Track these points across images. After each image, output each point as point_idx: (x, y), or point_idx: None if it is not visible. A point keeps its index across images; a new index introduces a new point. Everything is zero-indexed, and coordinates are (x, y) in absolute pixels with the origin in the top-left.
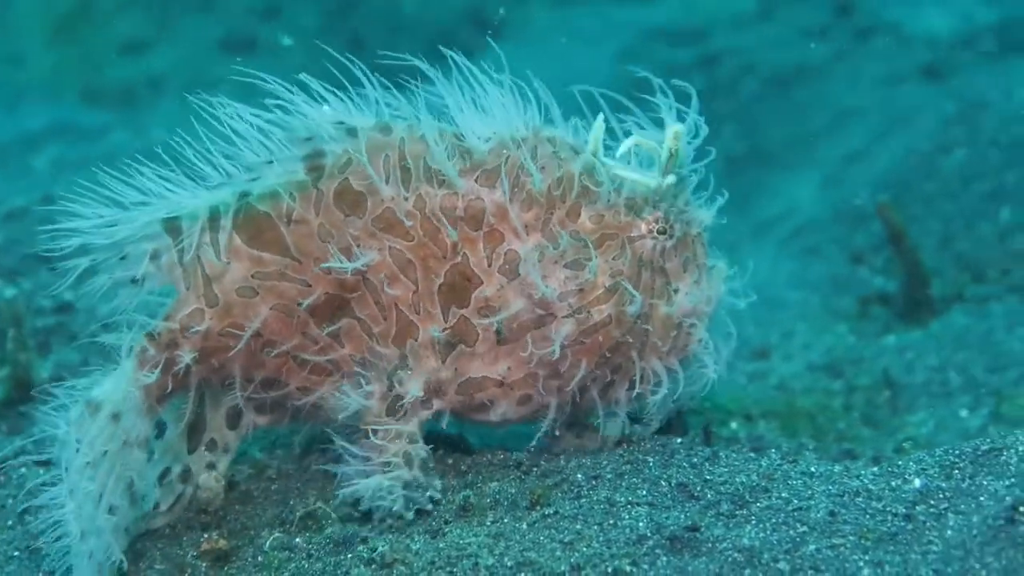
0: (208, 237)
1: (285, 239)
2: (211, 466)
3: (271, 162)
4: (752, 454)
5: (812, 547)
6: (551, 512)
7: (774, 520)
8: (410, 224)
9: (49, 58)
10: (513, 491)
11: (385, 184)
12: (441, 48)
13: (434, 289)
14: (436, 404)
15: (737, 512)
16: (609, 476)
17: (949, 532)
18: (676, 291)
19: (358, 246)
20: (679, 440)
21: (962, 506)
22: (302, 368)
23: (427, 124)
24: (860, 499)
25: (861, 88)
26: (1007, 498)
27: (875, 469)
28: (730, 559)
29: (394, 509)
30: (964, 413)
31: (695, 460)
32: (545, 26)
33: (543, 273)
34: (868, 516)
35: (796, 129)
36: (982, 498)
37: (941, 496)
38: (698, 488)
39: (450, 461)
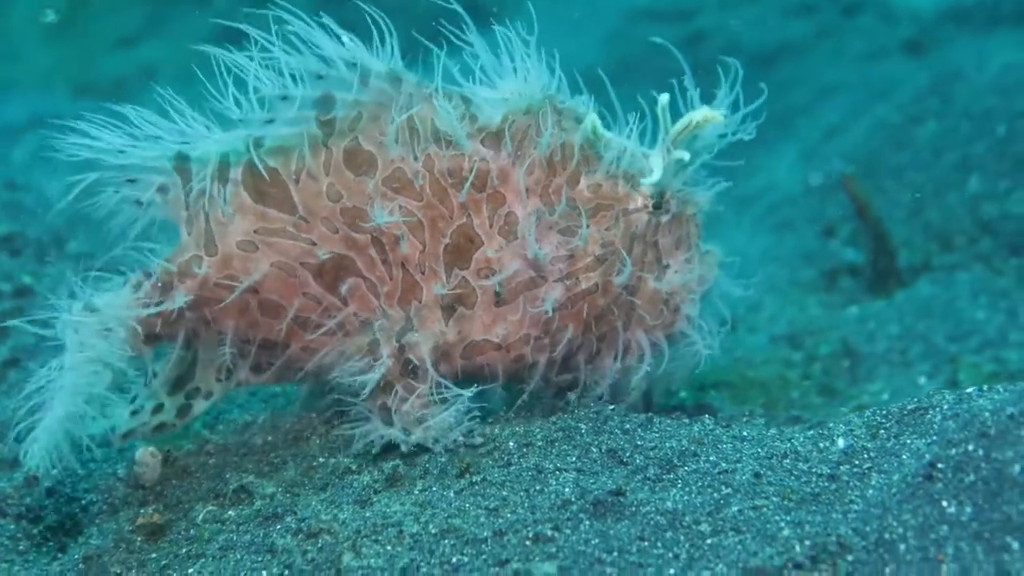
0: (216, 187)
1: (292, 197)
2: (185, 408)
3: (284, 98)
4: (687, 420)
5: (735, 508)
6: (479, 480)
7: (700, 483)
8: (420, 184)
9: (44, 53)
10: (443, 459)
11: (395, 144)
12: (452, 20)
13: (439, 249)
14: (443, 368)
15: (664, 476)
16: (540, 443)
17: (871, 491)
18: (667, 267)
19: (368, 207)
20: (612, 407)
21: (885, 465)
22: (304, 329)
23: (436, 84)
24: (787, 461)
25: (843, 64)
26: (926, 455)
27: (809, 432)
28: (652, 522)
29: (458, 440)
30: (922, 380)
31: (628, 426)
32: (537, 11)
33: (538, 237)
34: (793, 477)
35: (778, 106)
36: (904, 456)
37: (866, 456)
38: (627, 453)
39: None
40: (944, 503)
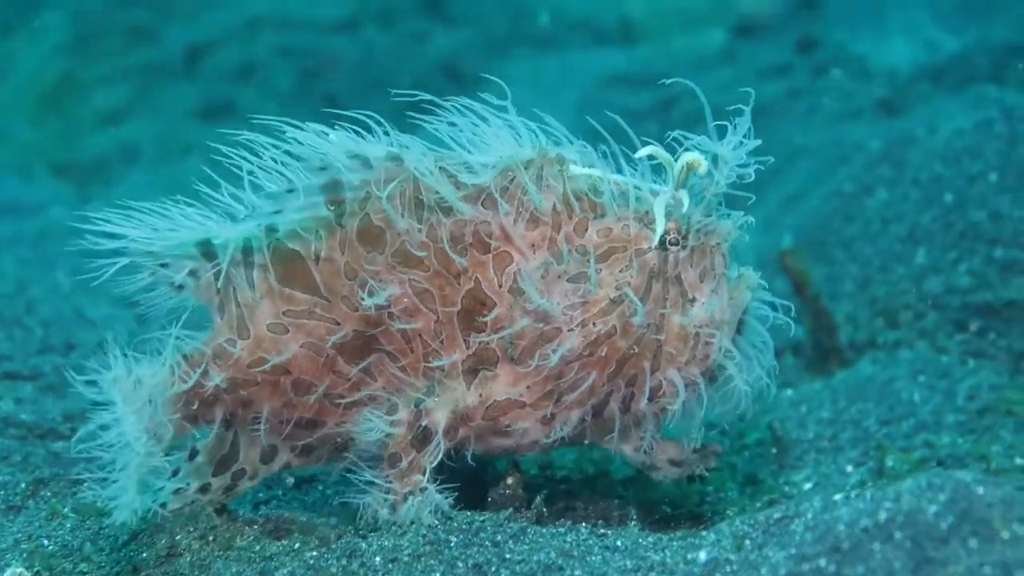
0: (242, 271)
1: (315, 278)
2: (230, 488)
3: (291, 191)
4: (562, 529)
5: None
6: None
7: None
8: (423, 255)
9: (29, 133)
10: None
11: (401, 217)
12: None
13: (453, 316)
14: (461, 432)
15: None
16: (406, 559)
17: None
18: (693, 301)
19: (379, 281)
20: (486, 516)
21: None
22: (337, 406)
23: (428, 155)
24: (653, 574)
25: (814, 126)
26: (781, 570)
27: (682, 541)
28: None
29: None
30: (849, 468)
31: (499, 537)
32: (514, 78)
33: (547, 288)
34: None
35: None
36: (763, 570)
37: (728, 569)
38: (494, 568)
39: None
40: None
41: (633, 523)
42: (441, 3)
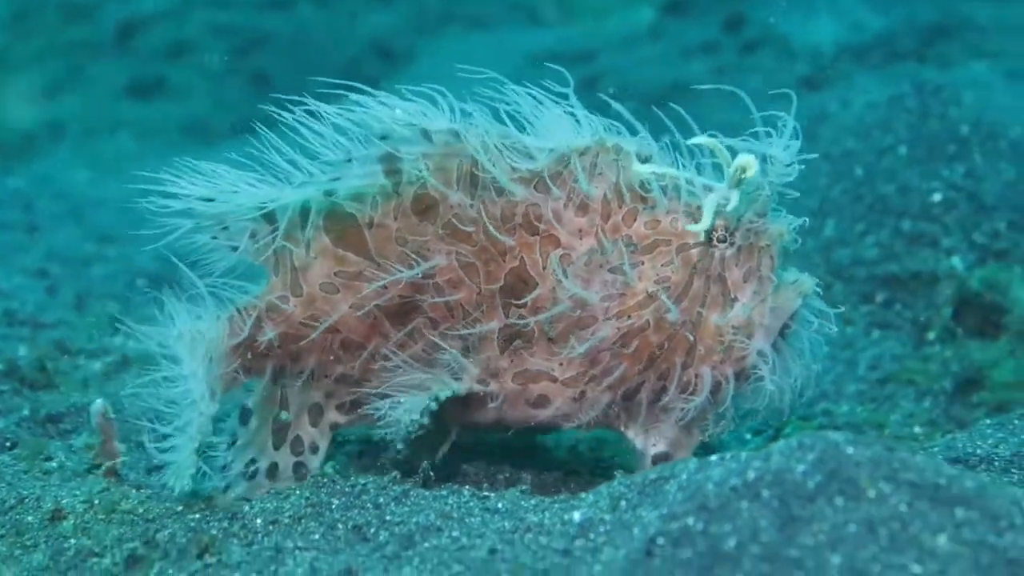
0: (299, 232)
1: (368, 242)
2: (298, 466)
3: (350, 160)
4: (444, 492)
5: None
6: (214, 561)
7: (435, 560)
8: (472, 230)
9: None
10: (184, 539)
11: (455, 191)
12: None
13: (495, 292)
14: (492, 385)
15: (402, 553)
16: (287, 521)
17: (598, 567)
18: (734, 301)
19: (427, 251)
20: (370, 480)
21: (618, 539)
22: (380, 366)
23: (488, 132)
24: (530, 535)
25: (739, 104)
26: (651, 529)
27: (560, 503)
28: None
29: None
30: (748, 436)
31: (382, 500)
32: (443, 55)
33: (588, 276)
34: (530, 553)
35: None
36: (635, 530)
37: (602, 529)
38: (373, 529)
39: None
40: None
41: (523, 487)
42: None
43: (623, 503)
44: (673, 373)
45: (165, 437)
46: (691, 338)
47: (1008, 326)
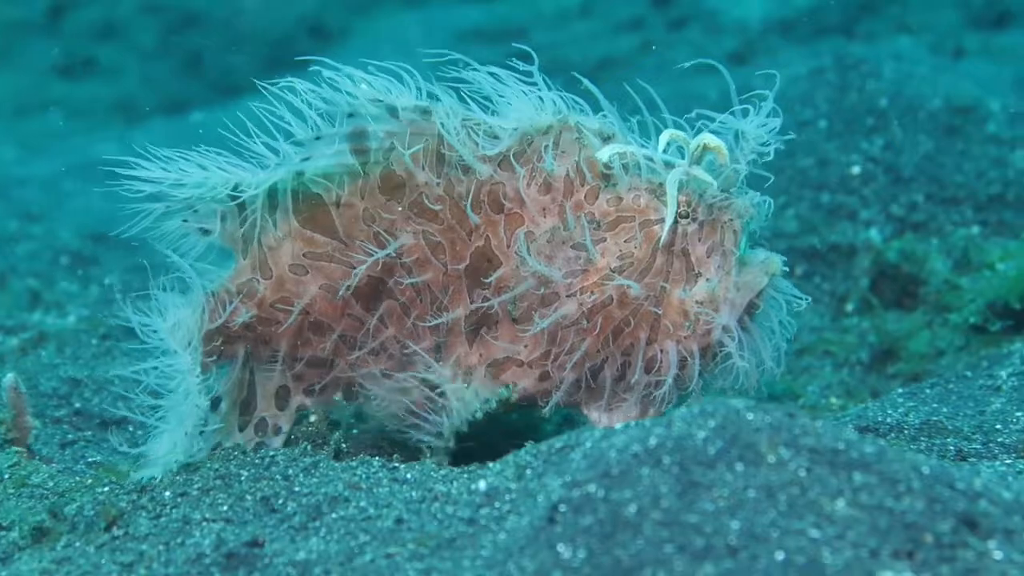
0: (267, 213)
1: (335, 222)
2: (260, 446)
3: (318, 138)
4: (354, 463)
5: (368, 557)
6: (122, 534)
7: (342, 531)
8: (439, 208)
9: None
10: (92, 512)
11: (421, 170)
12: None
13: (461, 272)
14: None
15: (309, 524)
16: (195, 493)
17: (503, 535)
18: (698, 276)
19: (395, 230)
20: (281, 452)
21: (522, 507)
22: (349, 348)
23: (455, 111)
24: (437, 504)
25: (667, 79)
26: (554, 496)
27: (468, 473)
28: (283, 573)
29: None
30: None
31: (291, 471)
32: (374, 33)
33: (550, 253)
34: (436, 522)
35: None
36: (539, 498)
37: (507, 498)
38: (281, 500)
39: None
40: (560, 547)
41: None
42: None
43: (529, 472)
44: (637, 348)
45: (151, 427)
46: (656, 312)
47: (925, 297)
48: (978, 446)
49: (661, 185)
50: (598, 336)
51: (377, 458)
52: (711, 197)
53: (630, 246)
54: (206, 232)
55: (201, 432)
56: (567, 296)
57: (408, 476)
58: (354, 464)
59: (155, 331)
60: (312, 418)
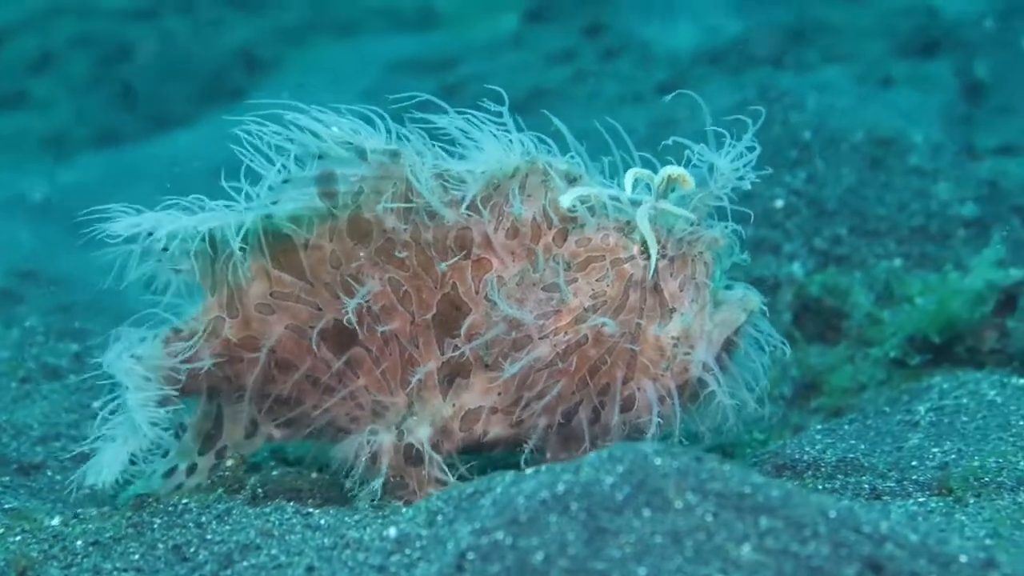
0: (237, 253)
1: (302, 263)
2: (216, 467)
3: (286, 181)
4: (267, 509)
5: None
6: None
7: None
8: (404, 255)
9: None
10: (2, 562)
11: (389, 215)
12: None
13: (428, 321)
14: (446, 447)
15: (220, 573)
16: (107, 541)
17: None
18: (673, 312)
19: (361, 276)
20: (194, 498)
21: (432, 554)
22: (316, 388)
23: (423, 155)
24: (348, 551)
25: (596, 110)
26: (462, 543)
27: (382, 519)
28: None
29: None
30: None
31: (204, 519)
32: (305, 65)
33: (521, 296)
34: (347, 569)
35: None
36: (449, 545)
37: (418, 544)
38: (193, 549)
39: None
40: None
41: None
42: None
43: (440, 518)
44: (614, 388)
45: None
46: (633, 349)
47: (847, 331)
48: (892, 484)
49: (629, 223)
50: (573, 376)
51: (291, 503)
52: (680, 231)
53: (602, 285)
54: (178, 272)
55: (165, 456)
56: (540, 338)
57: (322, 522)
58: (268, 510)
59: (101, 364)
60: (229, 463)
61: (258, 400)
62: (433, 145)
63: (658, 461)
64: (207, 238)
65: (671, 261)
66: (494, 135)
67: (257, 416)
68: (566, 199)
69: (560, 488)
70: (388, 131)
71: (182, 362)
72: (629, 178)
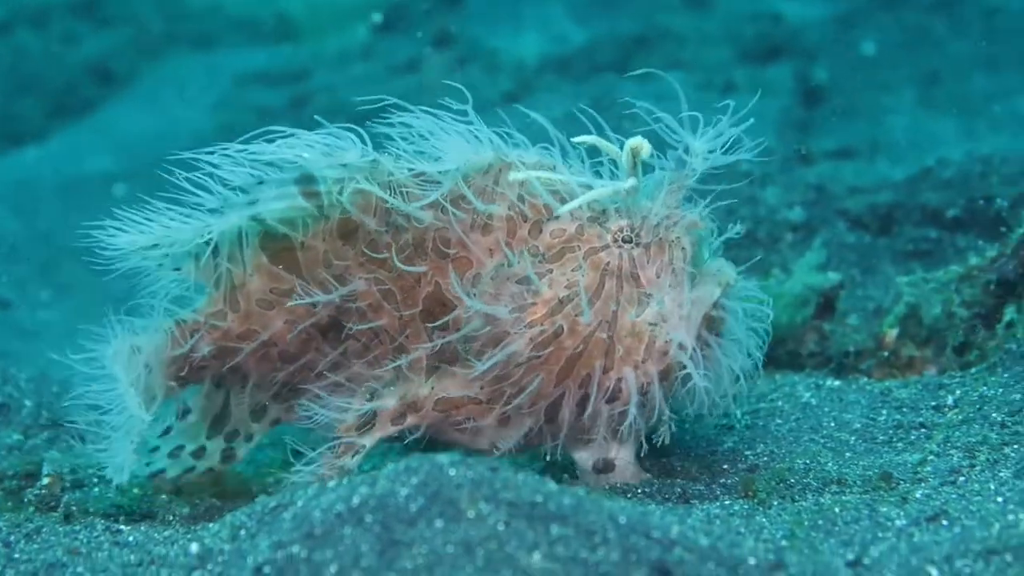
0: (237, 252)
1: (299, 261)
2: (228, 452)
3: (261, 182)
4: (78, 527)
5: None
6: None
7: None
8: (387, 256)
9: None
10: None
11: (371, 218)
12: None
13: (416, 316)
14: (410, 419)
15: None
16: None
17: None
18: (649, 297)
19: (348, 275)
20: (2, 519)
21: (232, 569)
22: (318, 377)
23: (400, 162)
24: (153, 568)
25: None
26: (260, 558)
27: (189, 533)
28: None
29: None
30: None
31: (13, 538)
32: (157, 79)
33: (496, 291)
34: None
35: None
36: (249, 559)
37: (220, 559)
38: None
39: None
40: None
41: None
42: (96, 4)
43: (243, 532)
44: (593, 378)
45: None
46: (606, 338)
47: None
48: (702, 487)
49: (604, 212)
50: (551, 369)
51: (101, 521)
52: (655, 217)
53: (576, 275)
54: (179, 271)
55: (166, 434)
56: (515, 332)
57: (131, 539)
58: (78, 528)
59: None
60: (45, 480)
61: (265, 386)
62: (403, 149)
63: (453, 472)
64: (206, 241)
65: (646, 248)
66: (461, 133)
67: (266, 399)
68: (515, 175)
69: (356, 501)
70: (364, 143)
71: (185, 353)
72: (583, 139)
